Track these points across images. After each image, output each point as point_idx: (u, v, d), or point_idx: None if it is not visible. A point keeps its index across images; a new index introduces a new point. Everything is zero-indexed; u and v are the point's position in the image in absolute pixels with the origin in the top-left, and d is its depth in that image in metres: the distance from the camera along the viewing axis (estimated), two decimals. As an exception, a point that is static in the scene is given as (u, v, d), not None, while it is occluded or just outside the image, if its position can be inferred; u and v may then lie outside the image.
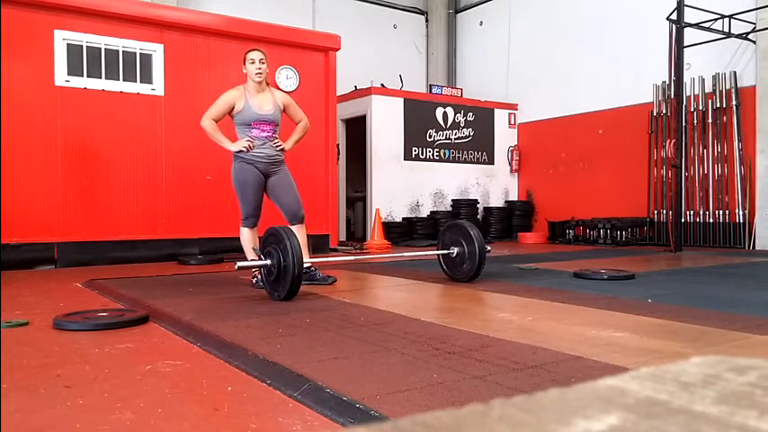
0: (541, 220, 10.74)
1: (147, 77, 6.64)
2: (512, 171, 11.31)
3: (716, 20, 7.83)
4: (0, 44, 5.83)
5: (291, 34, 7.66)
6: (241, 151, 4.21)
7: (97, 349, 2.51)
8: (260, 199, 4.34)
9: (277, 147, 4.34)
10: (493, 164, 11.11)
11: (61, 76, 6.19)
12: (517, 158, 11.26)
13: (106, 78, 6.42)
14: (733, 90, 8.29)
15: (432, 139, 10.33)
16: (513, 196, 11.35)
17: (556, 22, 10.58)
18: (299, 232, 4.16)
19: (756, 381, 0.42)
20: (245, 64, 4.27)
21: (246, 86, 4.30)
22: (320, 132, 7.65)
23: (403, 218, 9.97)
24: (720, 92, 8.41)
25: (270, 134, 4.31)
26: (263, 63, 4.24)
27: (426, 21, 12.71)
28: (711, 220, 8.52)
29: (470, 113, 10.77)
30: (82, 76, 6.29)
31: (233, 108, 4.24)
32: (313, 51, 7.76)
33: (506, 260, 6.46)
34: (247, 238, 4.34)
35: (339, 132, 8.99)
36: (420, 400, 1.75)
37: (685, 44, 7.83)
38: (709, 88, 8.60)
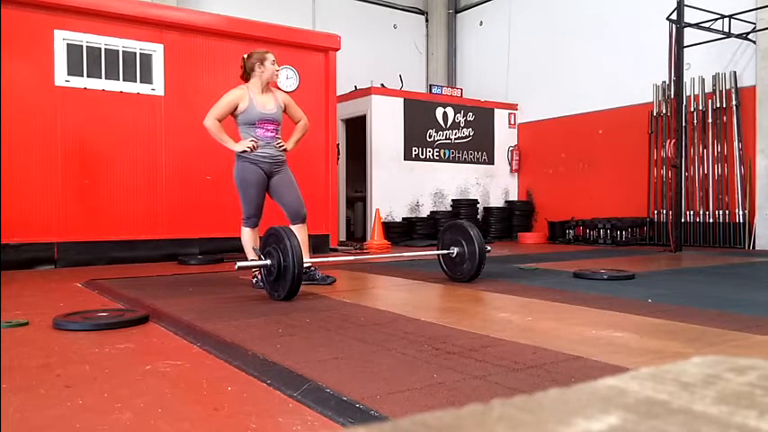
0: (541, 220, 10.74)
1: (147, 77, 6.64)
2: (512, 171, 11.31)
3: (716, 20, 7.82)
4: (0, 44, 5.83)
5: (291, 34, 7.66)
6: (245, 151, 4.21)
7: (97, 349, 2.51)
8: (262, 199, 4.33)
9: (279, 147, 4.35)
10: (493, 164, 11.11)
11: (61, 76, 6.19)
12: (517, 158, 11.26)
13: (106, 78, 6.41)
14: (733, 90, 8.29)
15: (432, 139, 10.33)
16: (513, 196, 11.35)
17: (556, 22, 10.58)
18: (300, 232, 4.16)
19: (756, 381, 0.42)
20: (263, 64, 4.27)
21: (249, 86, 4.29)
22: (320, 132, 7.65)
23: (403, 218, 9.97)
24: (720, 92, 8.41)
25: (274, 134, 4.32)
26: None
27: (426, 21, 12.71)
28: (711, 220, 8.52)
29: (470, 113, 10.77)
30: (82, 76, 6.29)
31: (236, 108, 4.23)
32: (313, 51, 7.76)
33: (506, 260, 6.46)
34: (248, 237, 4.33)
35: (339, 132, 8.99)
36: (420, 400, 1.75)
37: (685, 44, 7.83)
38: (709, 88, 8.60)
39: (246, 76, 4.33)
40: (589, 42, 10.00)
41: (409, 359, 2.21)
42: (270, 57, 4.31)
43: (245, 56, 4.36)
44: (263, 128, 4.27)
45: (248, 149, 4.19)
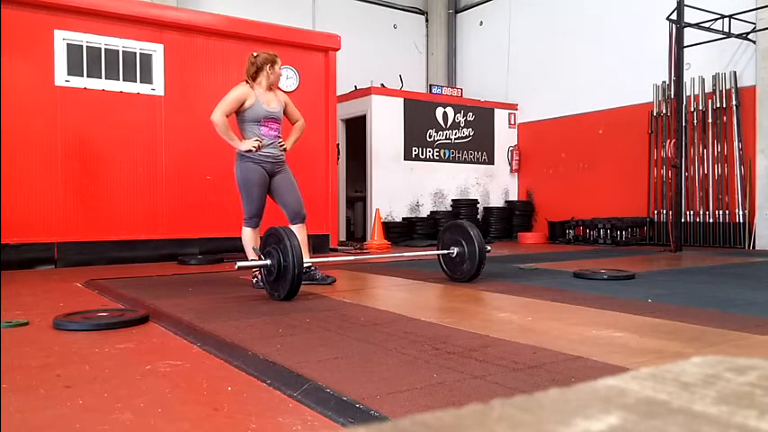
0: (541, 220, 10.74)
1: (147, 77, 6.63)
2: (512, 171, 11.31)
3: (716, 20, 7.83)
4: (0, 44, 5.83)
5: (291, 34, 7.66)
6: (250, 151, 4.20)
7: (97, 349, 2.51)
8: (264, 199, 4.33)
9: (281, 146, 4.35)
10: (493, 164, 11.11)
11: (61, 76, 6.19)
12: (517, 158, 11.26)
13: (106, 78, 6.41)
14: (733, 90, 8.29)
15: (432, 139, 10.33)
16: (513, 196, 11.35)
17: (556, 22, 10.58)
18: (300, 232, 4.16)
19: (756, 381, 0.42)
20: (273, 66, 4.28)
21: (255, 84, 4.29)
22: (320, 132, 7.65)
23: (403, 218, 9.97)
24: (720, 92, 8.41)
25: (277, 133, 4.32)
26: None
27: (426, 21, 12.71)
28: (711, 220, 8.52)
29: (470, 113, 10.77)
30: (82, 76, 6.29)
31: (243, 104, 4.22)
32: (313, 51, 7.76)
33: (506, 260, 6.46)
34: (249, 237, 4.33)
35: (339, 132, 8.99)
36: (420, 400, 1.75)
37: (685, 44, 7.83)
38: (709, 88, 8.60)
39: (255, 73, 4.29)
40: (589, 42, 10.00)
41: (409, 359, 2.21)
42: (279, 61, 4.35)
43: (255, 54, 4.35)
44: (267, 126, 4.26)
45: (254, 149, 4.18)
